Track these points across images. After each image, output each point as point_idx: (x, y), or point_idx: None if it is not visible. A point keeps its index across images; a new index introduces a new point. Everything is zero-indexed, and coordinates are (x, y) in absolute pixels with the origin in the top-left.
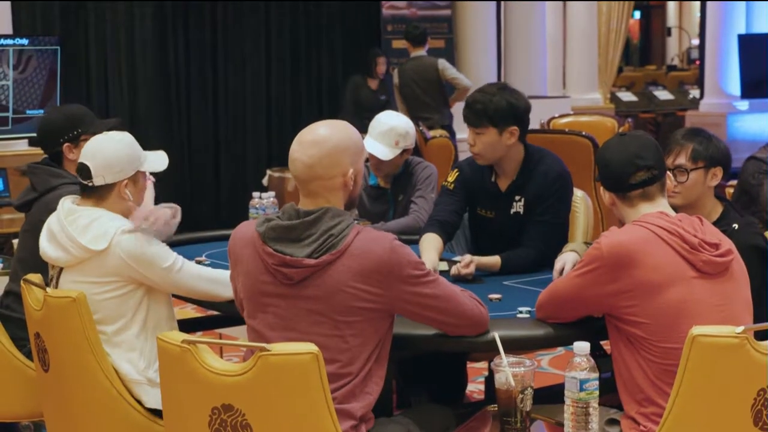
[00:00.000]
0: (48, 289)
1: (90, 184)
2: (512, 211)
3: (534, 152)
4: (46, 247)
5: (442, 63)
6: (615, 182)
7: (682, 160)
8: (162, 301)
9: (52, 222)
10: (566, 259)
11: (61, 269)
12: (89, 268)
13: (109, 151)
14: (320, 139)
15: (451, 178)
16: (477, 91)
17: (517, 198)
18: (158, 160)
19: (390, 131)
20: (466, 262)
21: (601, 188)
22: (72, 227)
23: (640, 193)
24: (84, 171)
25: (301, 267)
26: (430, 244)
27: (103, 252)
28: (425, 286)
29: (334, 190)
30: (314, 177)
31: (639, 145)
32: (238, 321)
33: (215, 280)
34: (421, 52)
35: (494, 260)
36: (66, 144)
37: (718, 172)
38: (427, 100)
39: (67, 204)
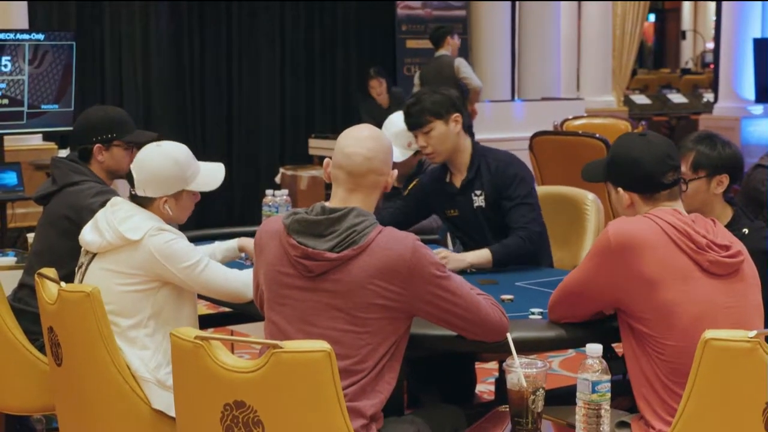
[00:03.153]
0: (76, 275)
1: (133, 192)
2: (475, 205)
3: (481, 147)
4: (86, 232)
5: (459, 62)
6: (646, 182)
7: (683, 168)
8: (185, 310)
9: (98, 212)
10: None
11: (93, 256)
12: (119, 257)
13: (155, 165)
14: (375, 135)
15: (410, 186)
16: (409, 99)
17: (476, 192)
18: (209, 179)
19: (403, 132)
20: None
21: (618, 189)
22: (112, 216)
23: (667, 194)
24: (130, 179)
25: (322, 260)
26: None
27: (135, 243)
28: (446, 287)
29: (377, 188)
30: (371, 170)
31: (666, 144)
32: (249, 318)
33: (240, 281)
34: (443, 52)
35: (485, 255)
36: (97, 145)
37: (724, 179)
38: None
39: (115, 199)
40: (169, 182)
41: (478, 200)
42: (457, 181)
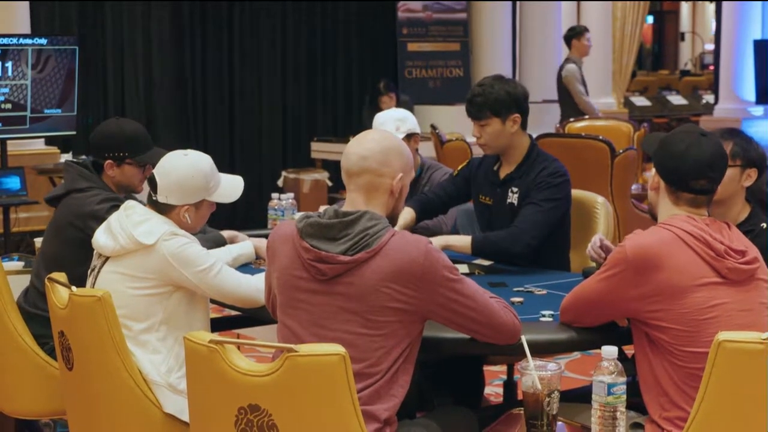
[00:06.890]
0: (88, 279)
1: (154, 198)
2: (507, 201)
3: (539, 151)
4: (99, 235)
5: (567, 70)
6: (675, 177)
7: None
8: (197, 315)
9: (112, 216)
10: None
11: (105, 260)
12: (132, 261)
13: (181, 174)
14: (378, 137)
15: (459, 167)
16: (476, 85)
17: (513, 189)
18: (230, 191)
19: (387, 120)
20: None
21: (654, 169)
22: (126, 220)
23: (691, 198)
24: (152, 183)
25: (335, 263)
26: (401, 214)
27: (148, 248)
28: (459, 290)
29: (380, 191)
30: (365, 170)
31: (716, 153)
32: (256, 322)
33: (253, 286)
34: (571, 55)
35: (465, 241)
36: (109, 161)
37: (753, 173)
38: (559, 100)
39: (129, 202)
40: (194, 192)
41: (513, 197)
42: (502, 173)
